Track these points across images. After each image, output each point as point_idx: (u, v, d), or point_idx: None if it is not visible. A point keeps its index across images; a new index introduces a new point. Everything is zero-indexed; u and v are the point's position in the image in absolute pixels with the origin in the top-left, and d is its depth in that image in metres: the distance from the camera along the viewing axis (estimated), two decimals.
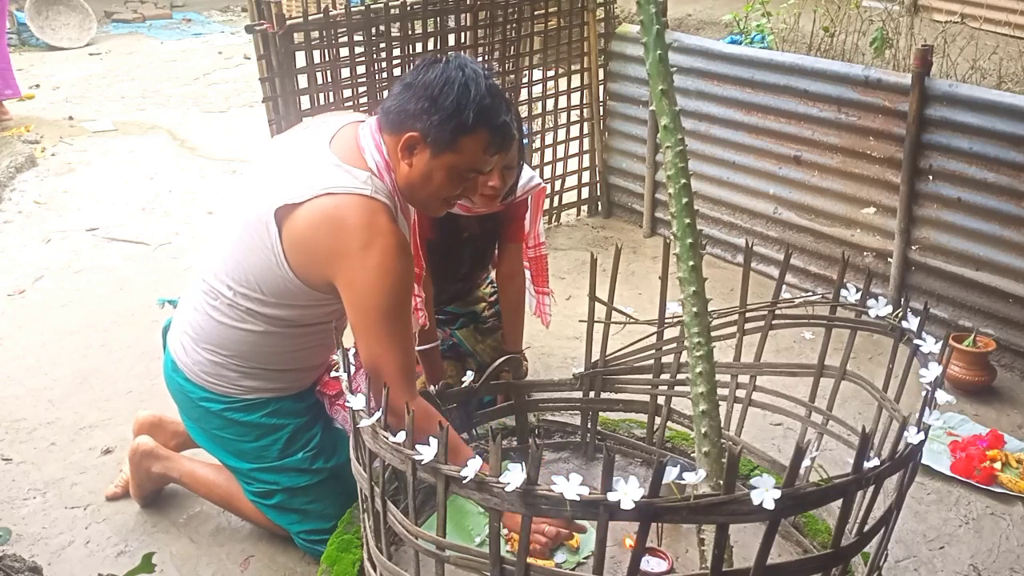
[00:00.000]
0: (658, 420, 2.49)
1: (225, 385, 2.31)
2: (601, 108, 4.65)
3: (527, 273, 3.07)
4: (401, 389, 2.03)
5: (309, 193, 2.04)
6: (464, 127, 2.05)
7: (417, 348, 2.66)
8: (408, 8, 3.75)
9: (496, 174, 2.50)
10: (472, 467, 1.48)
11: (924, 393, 1.73)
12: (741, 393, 2.39)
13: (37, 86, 7.68)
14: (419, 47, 3.91)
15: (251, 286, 2.17)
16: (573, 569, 2.13)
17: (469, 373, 2.43)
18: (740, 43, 5.76)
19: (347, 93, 3.69)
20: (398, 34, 3.84)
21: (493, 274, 3.13)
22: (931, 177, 3.44)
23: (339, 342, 1.94)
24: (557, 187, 4.71)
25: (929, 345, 1.89)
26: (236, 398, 2.32)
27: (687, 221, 1.84)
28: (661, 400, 2.48)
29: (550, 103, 4.56)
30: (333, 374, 1.95)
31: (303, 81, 3.53)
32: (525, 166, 2.91)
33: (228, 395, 2.32)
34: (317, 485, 2.39)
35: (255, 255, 2.13)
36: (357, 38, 3.66)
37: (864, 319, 2.13)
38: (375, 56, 3.74)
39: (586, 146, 4.72)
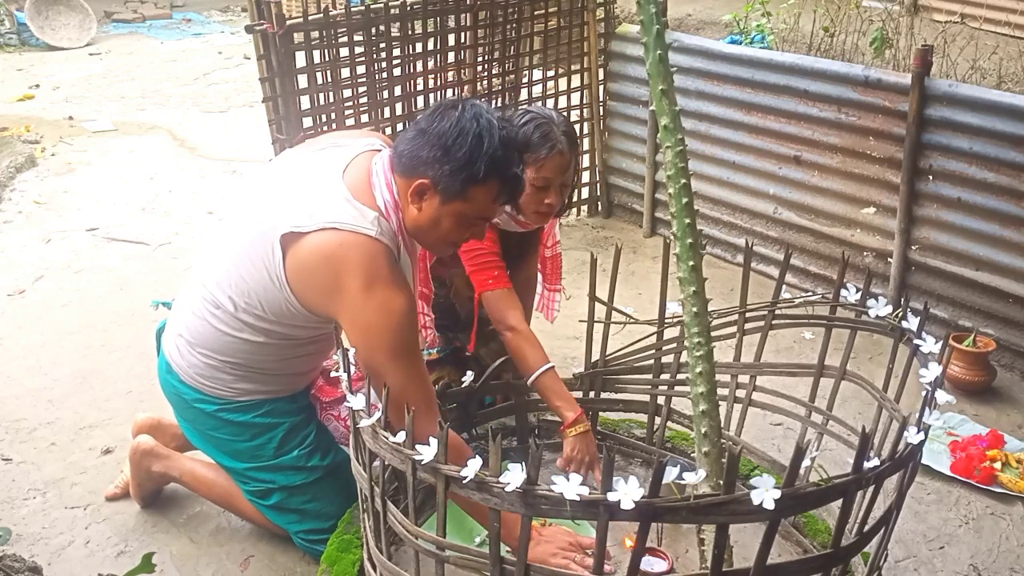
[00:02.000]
0: (658, 420, 2.50)
1: (219, 387, 2.31)
2: (601, 108, 4.66)
3: (539, 275, 3.07)
4: (424, 421, 2.00)
5: (315, 223, 2.04)
6: (475, 178, 2.04)
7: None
8: (408, 8, 3.75)
9: (554, 192, 2.51)
10: (472, 467, 1.48)
11: (924, 393, 1.73)
12: (741, 393, 2.40)
13: (37, 86, 7.69)
14: (419, 47, 3.91)
15: (253, 303, 2.17)
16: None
17: (469, 373, 2.43)
18: (740, 43, 5.75)
19: (347, 93, 3.70)
20: (398, 34, 3.84)
21: None
22: (931, 177, 3.44)
23: (339, 342, 1.94)
24: None
25: (929, 345, 1.89)
26: (230, 400, 2.33)
27: (687, 221, 1.84)
28: (661, 400, 2.48)
29: (550, 103, 4.56)
30: (333, 374, 1.95)
31: (303, 81, 3.53)
32: None
33: (222, 397, 2.32)
34: (314, 483, 2.39)
35: (258, 273, 2.13)
36: (357, 38, 3.66)
37: (864, 319, 2.13)
38: (375, 56, 3.74)
39: (586, 146, 4.72)
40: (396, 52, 3.82)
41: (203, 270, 2.31)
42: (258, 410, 2.34)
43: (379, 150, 2.20)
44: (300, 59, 3.50)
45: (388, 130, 3.94)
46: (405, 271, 2.13)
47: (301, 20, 3.46)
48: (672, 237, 1.93)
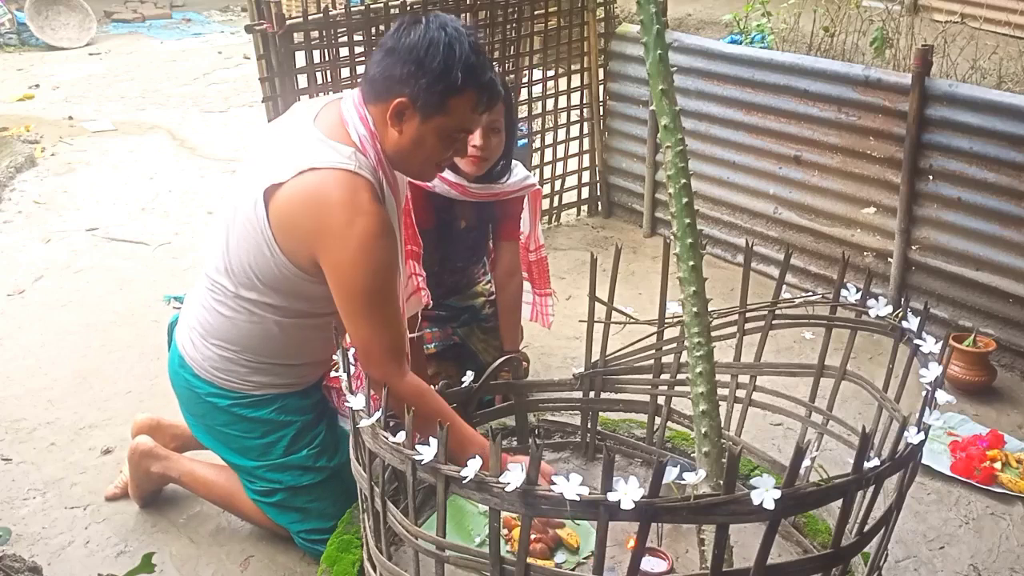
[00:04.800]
0: (658, 420, 2.49)
1: (234, 380, 2.31)
2: (601, 108, 4.65)
3: (526, 281, 3.08)
4: (390, 369, 2.06)
5: (294, 170, 2.03)
6: (453, 88, 2.02)
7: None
8: (408, 8, 3.75)
9: (480, 134, 2.55)
10: (472, 467, 1.48)
11: (924, 393, 1.73)
12: (741, 393, 2.39)
13: (37, 86, 7.68)
14: None
15: (248, 275, 2.17)
16: (573, 569, 2.13)
17: (469, 373, 2.43)
18: (740, 43, 5.75)
19: None
20: None
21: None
22: (931, 177, 3.44)
23: (339, 342, 1.94)
24: (557, 187, 4.71)
25: (929, 345, 1.89)
26: (244, 393, 2.33)
27: (687, 221, 1.84)
28: (661, 400, 2.48)
29: (550, 103, 4.56)
30: (332, 374, 1.95)
31: (303, 81, 3.53)
32: (519, 165, 2.93)
33: (236, 390, 2.32)
34: (319, 484, 2.39)
35: (248, 241, 2.14)
36: (357, 38, 3.66)
37: (864, 319, 2.13)
38: None
39: (586, 146, 4.72)
40: None
41: (205, 261, 2.32)
42: (271, 406, 2.34)
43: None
44: (300, 59, 3.49)
45: None
46: (390, 212, 2.11)
47: (301, 20, 3.46)
48: (672, 237, 1.93)
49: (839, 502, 1.54)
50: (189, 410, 2.45)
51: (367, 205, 2.00)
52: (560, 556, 2.17)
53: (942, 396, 1.74)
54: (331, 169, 2.01)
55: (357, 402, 1.71)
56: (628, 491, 1.39)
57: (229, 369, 2.30)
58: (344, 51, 3.63)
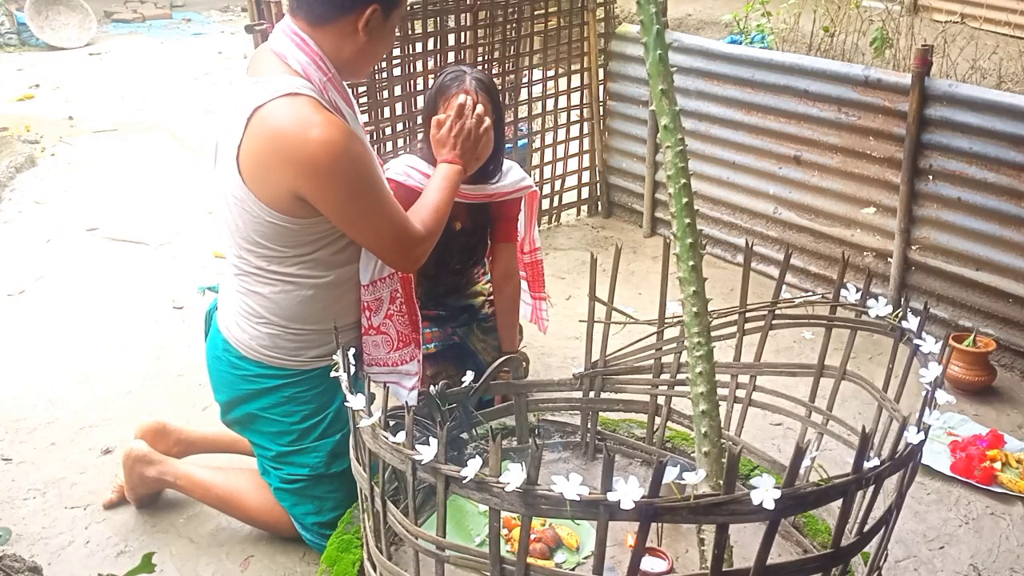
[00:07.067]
0: (658, 420, 2.50)
1: (284, 357, 2.32)
2: (601, 108, 4.66)
3: (523, 282, 3.08)
4: (406, 251, 2.22)
5: (244, 121, 2.08)
6: None
7: None
8: (408, 8, 3.75)
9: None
10: (472, 467, 1.48)
11: (924, 393, 1.73)
12: (741, 393, 2.40)
13: (37, 86, 7.68)
14: (419, 47, 3.91)
15: (256, 244, 2.20)
16: (573, 569, 2.13)
17: (469, 373, 2.43)
18: (740, 43, 5.76)
19: None
20: (398, 34, 3.83)
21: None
22: (931, 177, 3.44)
23: (338, 342, 1.94)
24: (557, 187, 4.71)
25: (929, 345, 1.89)
26: (296, 370, 2.33)
27: (687, 221, 1.84)
28: (661, 400, 2.48)
29: (550, 103, 4.56)
30: (332, 374, 1.95)
31: None
32: (515, 167, 2.93)
33: (287, 367, 2.33)
34: (344, 472, 2.38)
35: (244, 212, 2.16)
36: None
37: (864, 319, 2.14)
38: None
39: (586, 146, 4.72)
40: (396, 52, 3.82)
41: (226, 251, 2.35)
42: (321, 385, 2.34)
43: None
44: None
45: (388, 130, 3.94)
46: (358, 132, 2.18)
47: None
48: (672, 237, 1.93)
49: (839, 502, 1.54)
50: (227, 396, 2.44)
51: (316, 116, 2.05)
52: (560, 556, 2.18)
53: (942, 396, 1.75)
54: (270, 102, 2.05)
55: (356, 402, 1.71)
56: (628, 491, 1.39)
57: (278, 346, 2.31)
58: None
